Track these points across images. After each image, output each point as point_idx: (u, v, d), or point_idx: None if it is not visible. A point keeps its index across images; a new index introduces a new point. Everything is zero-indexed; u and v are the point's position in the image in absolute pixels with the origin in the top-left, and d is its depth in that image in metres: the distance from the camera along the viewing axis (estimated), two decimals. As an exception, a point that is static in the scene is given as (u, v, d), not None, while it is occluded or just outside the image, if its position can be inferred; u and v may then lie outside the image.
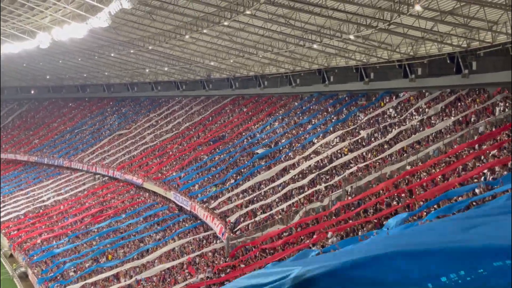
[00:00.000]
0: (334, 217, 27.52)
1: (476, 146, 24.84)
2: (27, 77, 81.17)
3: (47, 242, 49.86)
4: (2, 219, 57.38)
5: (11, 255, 51.31)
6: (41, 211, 57.97)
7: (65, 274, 43.07)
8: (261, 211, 35.91)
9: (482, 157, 22.98)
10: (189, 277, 34.05)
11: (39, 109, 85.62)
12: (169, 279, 35.69)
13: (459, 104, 32.24)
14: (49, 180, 65.80)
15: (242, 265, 29.31)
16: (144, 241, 44.09)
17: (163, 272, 37.06)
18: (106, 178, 60.14)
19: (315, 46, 39.98)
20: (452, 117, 30.72)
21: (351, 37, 34.73)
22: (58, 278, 42.61)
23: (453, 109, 32.06)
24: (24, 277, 46.65)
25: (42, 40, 46.04)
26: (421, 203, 20.62)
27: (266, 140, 46.39)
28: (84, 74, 73.27)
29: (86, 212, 53.92)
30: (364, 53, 39.84)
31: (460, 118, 30.15)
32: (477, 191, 18.43)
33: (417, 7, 26.84)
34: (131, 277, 38.32)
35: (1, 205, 60.72)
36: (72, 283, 40.72)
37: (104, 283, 39.24)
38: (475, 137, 25.98)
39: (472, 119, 29.13)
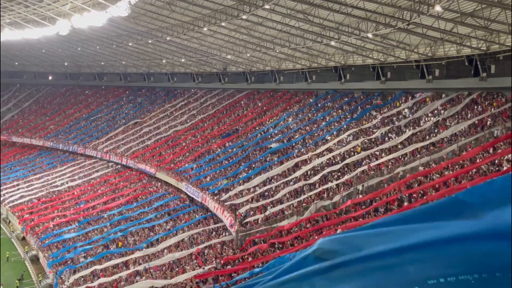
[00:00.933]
0: (344, 215, 27.55)
1: (491, 150, 24.68)
2: (45, 63, 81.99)
3: (59, 227, 50.46)
4: (15, 202, 58.28)
5: (24, 238, 52.03)
6: (54, 196, 58.64)
7: (75, 259, 43.60)
8: (271, 205, 36.02)
9: (497, 161, 22.84)
10: (197, 267, 34.31)
11: (56, 96, 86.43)
12: (177, 269, 35.98)
13: (475, 107, 32.00)
14: (63, 166, 66.51)
15: (250, 258, 29.49)
16: (154, 230, 44.44)
17: (171, 262, 37.38)
18: (120, 166, 60.65)
19: (332, 43, 39.90)
20: (468, 120, 30.51)
21: (369, 35, 34.60)
22: (69, 262, 43.15)
23: (469, 112, 31.83)
24: (35, 260, 47.35)
25: (62, 27, 46.44)
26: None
27: (280, 135, 46.43)
28: (101, 62, 73.84)
29: (98, 199, 54.47)
30: (381, 52, 39.67)
31: (476, 122, 29.93)
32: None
33: (437, 8, 26.67)
34: (140, 264, 38.68)
35: (16, 188, 61.65)
36: (82, 268, 41.25)
37: (114, 269, 39.66)
38: (490, 141, 25.80)
39: (488, 123, 28.91)
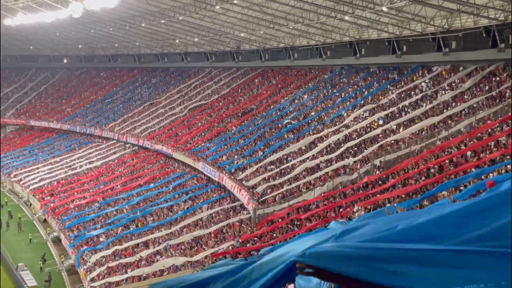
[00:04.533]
0: (361, 191, 27.50)
1: (510, 122, 24.31)
2: (59, 46, 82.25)
3: (79, 209, 51.22)
4: (36, 185, 59.20)
5: (45, 220, 52.96)
6: (73, 178, 59.41)
7: (96, 239, 44.33)
8: (288, 183, 36.08)
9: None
10: (216, 245, 34.69)
11: (72, 78, 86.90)
12: (196, 247, 36.43)
13: (493, 79, 31.46)
14: (81, 148, 67.21)
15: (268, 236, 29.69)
16: (173, 210, 44.90)
17: (191, 240, 37.83)
18: (137, 147, 61.10)
19: (346, 17, 39.32)
20: (486, 93, 30.04)
21: (384, 8, 34.03)
22: (90, 243, 43.90)
23: (487, 84, 31.31)
24: (57, 241, 48.25)
25: (75, 10, 46.45)
26: (453, 176, 20.42)
27: (295, 113, 46.22)
28: (115, 44, 73.85)
29: (116, 180, 55.06)
30: (397, 25, 39.04)
31: (494, 94, 29.46)
32: (509, 167, 18.14)
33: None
34: (159, 244, 39.23)
35: (36, 172, 62.56)
36: (103, 248, 41.94)
37: (134, 249, 40.29)
38: (509, 114, 25.40)
39: (507, 94, 28.44)
